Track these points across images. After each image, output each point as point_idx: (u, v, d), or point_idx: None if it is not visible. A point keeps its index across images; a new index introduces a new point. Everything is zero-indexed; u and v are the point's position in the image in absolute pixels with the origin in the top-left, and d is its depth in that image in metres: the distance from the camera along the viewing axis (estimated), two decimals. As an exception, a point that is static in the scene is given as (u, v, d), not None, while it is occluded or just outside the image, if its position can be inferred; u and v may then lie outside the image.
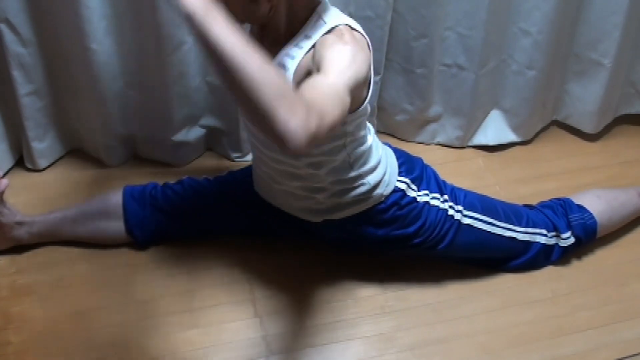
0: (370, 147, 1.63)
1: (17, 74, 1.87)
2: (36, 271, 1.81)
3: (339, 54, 1.32)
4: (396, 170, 1.71)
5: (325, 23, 1.41)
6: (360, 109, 1.50)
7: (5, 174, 2.00)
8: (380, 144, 1.70)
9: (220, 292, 1.79)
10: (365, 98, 1.49)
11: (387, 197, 1.68)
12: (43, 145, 2.03)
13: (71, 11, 1.76)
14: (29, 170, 2.07)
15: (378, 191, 1.66)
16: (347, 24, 1.41)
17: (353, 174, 1.62)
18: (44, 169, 2.08)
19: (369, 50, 1.42)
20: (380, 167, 1.66)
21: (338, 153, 1.56)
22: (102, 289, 1.79)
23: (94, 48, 1.81)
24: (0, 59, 1.86)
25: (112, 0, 1.78)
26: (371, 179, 1.64)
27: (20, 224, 1.78)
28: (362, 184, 1.64)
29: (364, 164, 1.62)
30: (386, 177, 1.67)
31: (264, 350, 1.68)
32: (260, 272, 1.84)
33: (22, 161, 2.08)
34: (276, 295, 1.79)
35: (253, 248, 1.88)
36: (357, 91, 1.36)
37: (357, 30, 1.43)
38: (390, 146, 1.78)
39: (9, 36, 1.80)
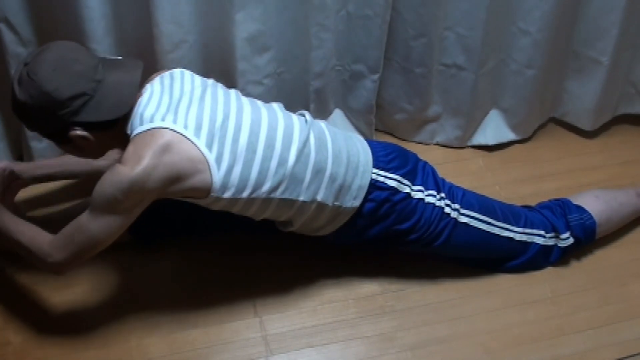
0: (288, 189, 1.57)
1: (16, 74, 1.86)
2: (36, 271, 1.80)
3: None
4: (364, 175, 1.66)
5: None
6: (212, 193, 1.52)
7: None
8: (313, 167, 1.60)
9: (221, 292, 1.79)
10: (211, 182, 1.51)
11: (371, 199, 1.66)
12: (42, 145, 2.02)
13: (71, 11, 1.75)
14: (28, 169, 2.07)
15: (346, 206, 1.64)
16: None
17: (294, 211, 1.62)
18: (43, 169, 2.07)
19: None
20: (322, 191, 1.61)
21: (249, 209, 1.59)
22: (102, 288, 1.79)
23: (94, 48, 1.81)
24: (0, 59, 1.85)
25: (112, 0, 1.78)
26: (326, 203, 1.62)
27: None
28: (320, 209, 1.63)
29: (294, 202, 1.59)
30: (345, 191, 1.64)
31: (264, 350, 1.69)
32: (260, 272, 1.84)
33: (21, 160, 2.07)
34: (276, 295, 1.79)
35: (253, 247, 1.88)
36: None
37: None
38: (377, 143, 1.76)
39: (8, 36, 1.80)
